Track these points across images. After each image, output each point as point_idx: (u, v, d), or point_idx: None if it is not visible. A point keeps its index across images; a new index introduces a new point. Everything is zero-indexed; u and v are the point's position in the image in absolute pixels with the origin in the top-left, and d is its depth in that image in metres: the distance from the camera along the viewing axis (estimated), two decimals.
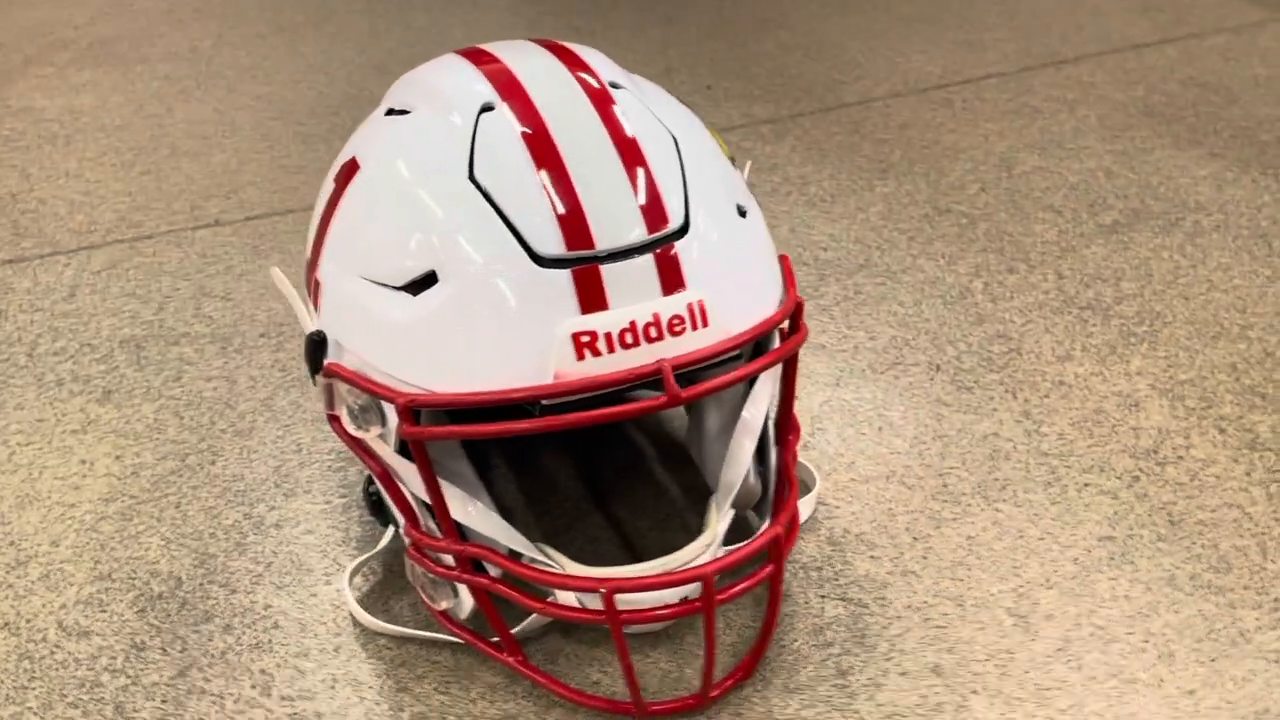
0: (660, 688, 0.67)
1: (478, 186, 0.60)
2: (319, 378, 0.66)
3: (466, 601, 0.67)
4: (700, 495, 0.80)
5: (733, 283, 0.62)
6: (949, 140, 1.39)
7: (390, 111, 0.68)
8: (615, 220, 0.59)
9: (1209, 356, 0.96)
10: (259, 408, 0.93)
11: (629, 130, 0.62)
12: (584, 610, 0.62)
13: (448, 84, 0.65)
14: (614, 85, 0.65)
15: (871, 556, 0.76)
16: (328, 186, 0.68)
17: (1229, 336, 0.98)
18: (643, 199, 0.60)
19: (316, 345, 0.67)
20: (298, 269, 1.12)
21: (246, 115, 1.55)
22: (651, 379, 0.58)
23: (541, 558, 0.66)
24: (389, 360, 0.62)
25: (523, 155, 0.60)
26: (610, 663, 0.69)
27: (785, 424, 0.70)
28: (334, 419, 0.67)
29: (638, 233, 0.59)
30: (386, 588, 0.75)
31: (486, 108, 0.63)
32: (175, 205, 1.30)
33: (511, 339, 0.59)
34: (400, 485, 0.66)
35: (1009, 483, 0.82)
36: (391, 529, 0.75)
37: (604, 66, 0.67)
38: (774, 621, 0.67)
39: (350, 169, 0.66)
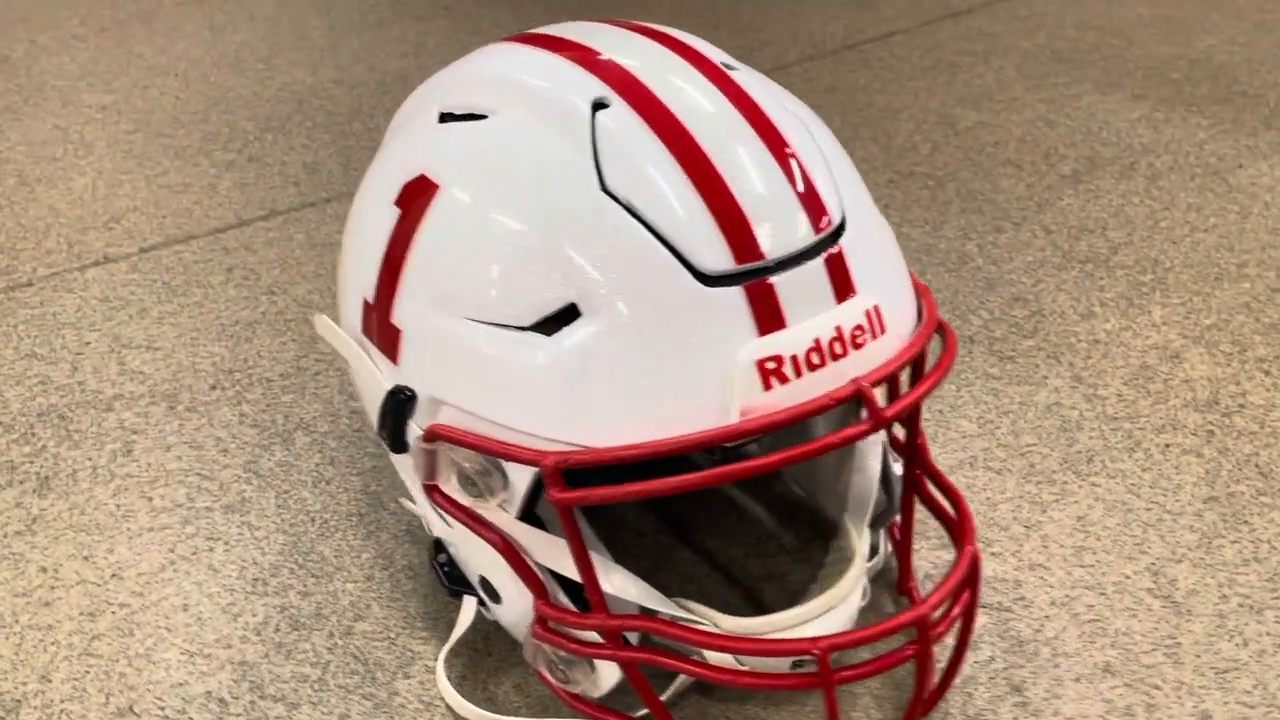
0: None
1: (615, 198, 0.50)
2: (418, 442, 0.55)
3: (608, 678, 0.58)
4: (782, 510, 0.73)
5: (892, 281, 0.55)
6: (882, 101, 1.35)
7: (451, 116, 0.56)
8: (781, 224, 0.51)
9: (1220, 299, 0.96)
10: (242, 475, 0.79)
11: (768, 116, 0.54)
12: (798, 676, 0.54)
13: (539, 78, 0.55)
14: (727, 66, 0.56)
15: (992, 554, 0.71)
16: (382, 213, 0.56)
17: (1230, 277, 0.99)
18: (802, 196, 0.52)
19: (401, 404, 0.55)
20: (231, 305, 0.98)
21: (96, 130, 1.35)
22: (844, 402, 0.51)
23: (688, 615, 0.58)
24: (519, 414, 0.51)
25: (663, 157, 0.51)
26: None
27: (916, 427, 0.64)
28: (432, 489, 0.56)
29: (805, 235, 0.51)
30: (477, 670, 0.64)
31: (599, 104, 0.53)
32: (47, 243, 1.10)
33: (682, 375, 0.49)
34: (525, 557, 0.56)
35: (1093, 453, 0.79)
36: (472, 602, 0.64)
37: (704, 45, 0.58)
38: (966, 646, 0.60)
39: (422, 189, 0.54)
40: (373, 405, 0.58)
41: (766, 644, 0.53)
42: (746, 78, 0.56)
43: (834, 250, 0.52)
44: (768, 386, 0.49)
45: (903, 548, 0.65)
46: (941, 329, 0.58)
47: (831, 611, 0.59)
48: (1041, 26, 1.55)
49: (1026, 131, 1.26)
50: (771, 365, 0.49)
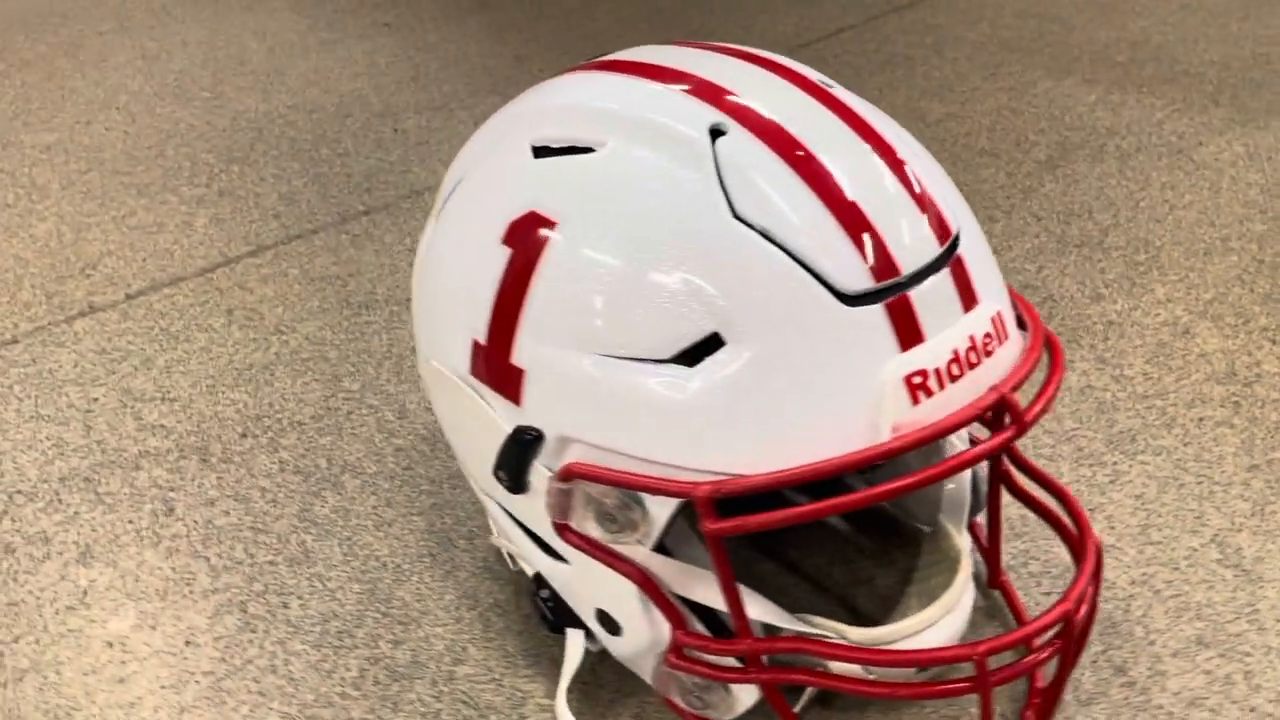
0: None
1: (749, 225, 0.50)
2: (552, 482, 0.54)
3: (745, 700, 0.58)
4: (851, 514, 0.74)
5: (1000, 285, 0.56)
6: None
7: (549, 150, 0.55)
8: (911, 237, 0.51)
9: (1214, 273, 1.00)
10: (297, 525, 0.76)
11: (876, 129, 0.54)
12: (955, 683, 0.54)
13: (647, 108, 0.54)
14: (824, 84, 0.57)
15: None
16: (487, 253, 0.55)
17: (1217, 251, 1.03)
18: (923, 207, 0.53)
19: (526, 445, 0.54)
20: (240, 348, 0.94)
21: (46, 172, 1.28)
22: (988, 410, 0.52)
23: (817, 630, 0.58)
24: (663, 447, 0.51)
25: (789, 179, 0.51)
26: None
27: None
28: (564, 528, 0.55)
29: (932, 246, 0.52)
30: (593, 704, 0.63)
31: (716, 131, 0.52)
32: (22, 295, 1.05)
33: (830, 397, 0.50)
34: (661, 588, 0.55)
35: (1134, 432, 0.82)
36: (579, 636, 0.63)
37: (795, 63, 0.58)
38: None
39: (533, 227, 0.53)
40: (485, 448, 0.57)
41: (926, 654, 0.54)
42: (844, 93, 0.57)
43: (956, 259, 0.53)
44: (915, 401, 0.50)
45: (992, 543, 0.67)
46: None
47: (950, 614, 0.60)
48: (983, 17, 1.60)
49: (995, 121, 1.30)
50: (918, 380, 0.50)
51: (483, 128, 0.63)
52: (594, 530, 0.54)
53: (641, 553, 0.54)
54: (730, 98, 0.54)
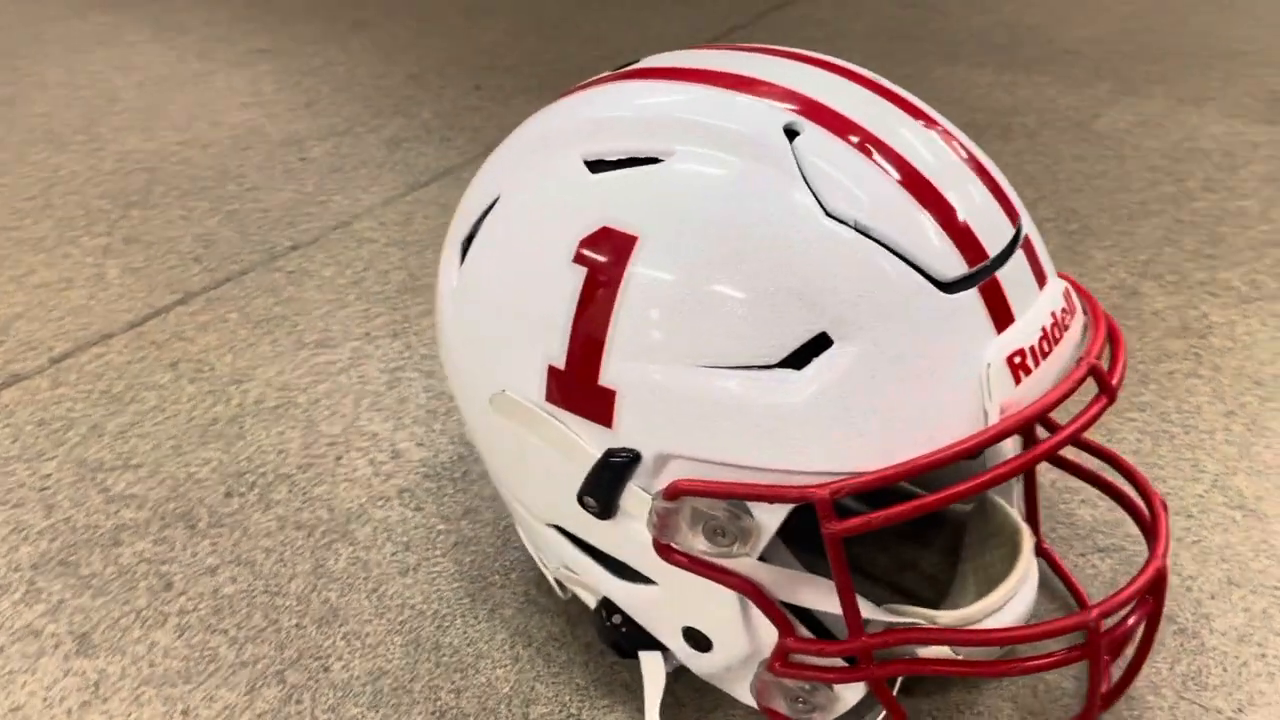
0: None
1: (842, 221, 0.50)
2: (656, 502, 0.52)
3: (849, 699, 0.57)
4: (875, 496, 0.74)
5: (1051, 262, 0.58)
6: None
7: (607, 164, 0.54)
8: (990, 219, 0.52)
9: (1143, 235, 1.06)
10: (315, 582, 0.71)
11: (932, 116, 0.55)
12: (1068, 652, 0.55)
13: (711, 112, 0.53)
14: (869, 74, 0.57)
15: (1082, 500, 0.76)
16: (557, 274, 0.52)
17: (1140, 215, 1.10)
18: (992, 189, 0.54)
19: (621, 468, 0.52)
20: (197, 403, 0.88)
21: None
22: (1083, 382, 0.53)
23: (909, 619, 0.58)
24: (776, 452, 0.50)
25: (872, 173, 0.51)
26: (979, 704, 0.62)
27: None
28: (666, 548, 0.53)
29: (1007, 227, 0.53)
30: None
31: (791, 131, 0.52)
32: None
33: (939, 385, 0.50)
34: (765, 595, 0.54)
35: None
36: (656, 658, 0.61)
37: (826, 56, 0.58)
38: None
39: (610, 243, 0.51)
40: (565, 476, 0.55)
41: (1042, 628, 0.54)
42: (890, 83, 0.57)
43: (1025, 239, 0.54)
44: (1017, 381, 0.51)
45: (1031, 513, 0.69)
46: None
47: (1025, 585, 0.61)
48: (865, 8, 1.65)
49: None
50: (1018, 360, 0.51)
51: (505, 145, 0.61)
52: (701, 546, 0.53)
53: (747, 563, 0.54)
54: (801, 97, 0.53)
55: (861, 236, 0.50)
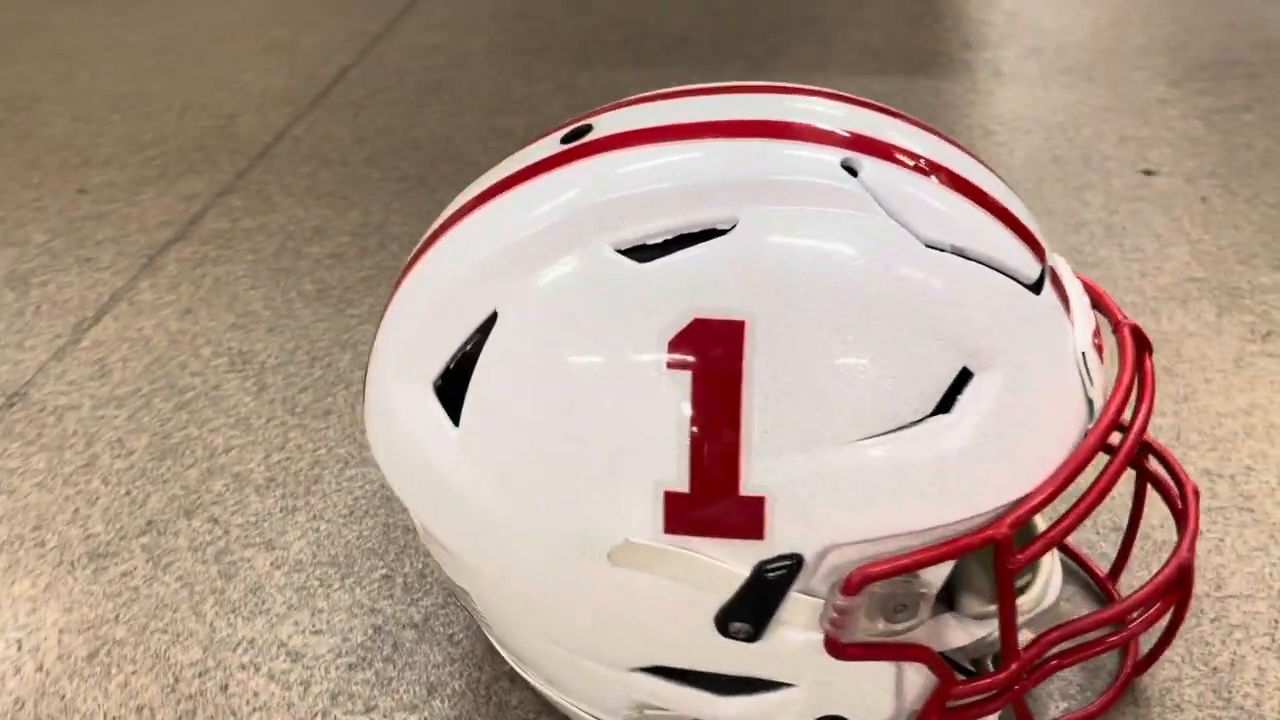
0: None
1: (938, 248, 0.47)
2: (834, 600, 0.46)
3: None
4: None
5: None
6: None
7: (653, 249, 0.46)
8: (1027, 215, 0.52)
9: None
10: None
11: (937, 130, 0.53)
12: (1168, 600, 0.56)
13: (762, 164, 0.47)
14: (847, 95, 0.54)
15: None
16: (644, 389, 0.44)
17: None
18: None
19: (783, 577, 0.46)
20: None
21: None
22: None
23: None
24: (945, 505, 0.46)
25: (941, 193, 0.48)
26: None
27: None
28: (841, 647, 0.47)
29: (1032, 219, 0.53)
30: None
31: (850, 169, 0.47)
32: None
33: (1064, 385, 0.49)
34: (933, 650, 0.50)
35: None
36: None
37: (799, 85, 0.54)
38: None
39: (712, 334, 0.44)
40: (697, 611, 0.47)
41: (1155, 584, 0.55)
42: (865, 99, 0.55)
43: None
44: (1101, 361, 0.52)
45: None
46: None
47: (1057, 562, 0.63)
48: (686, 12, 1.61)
49: None
50: (1096, 342, 0.52)
51: (457, 255, 0.51)
52: (880, 628, 0.48)
53: (922, 628, 0.50)
54: (837, 131, 0.49)
55: (962, 260, 0.47)
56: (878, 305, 0.45)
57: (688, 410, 0.45)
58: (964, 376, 0.46)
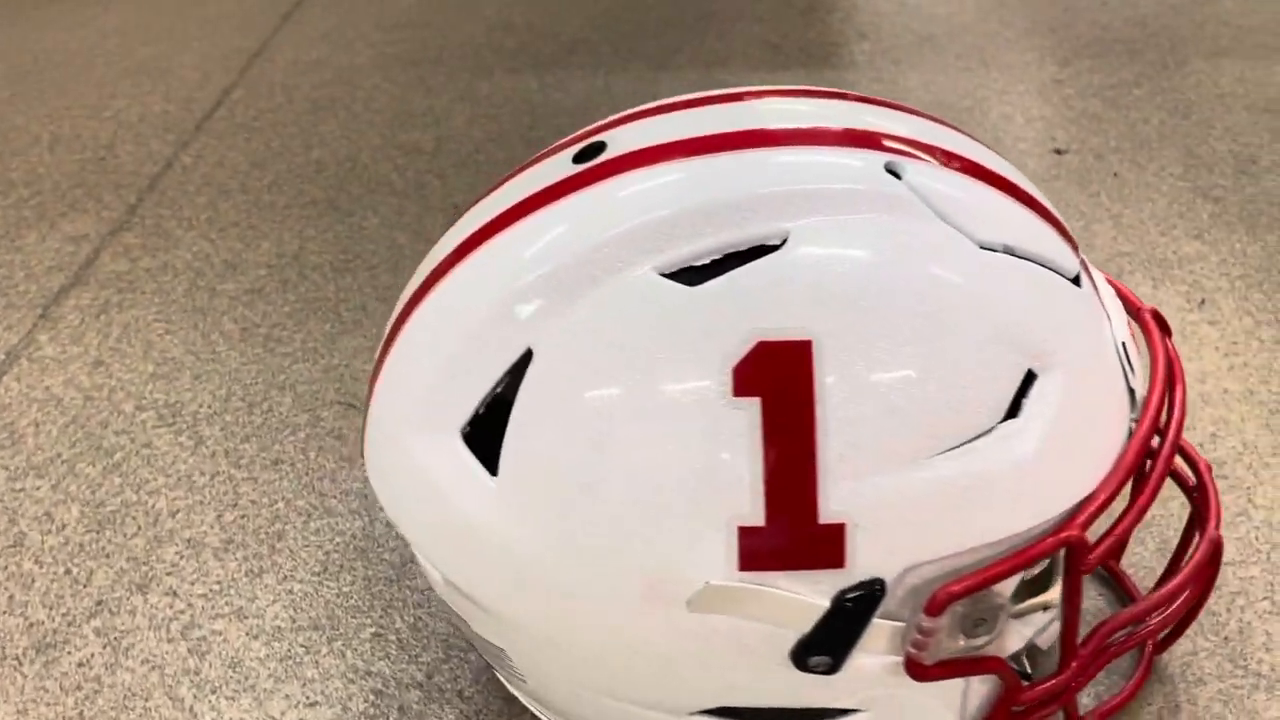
0: None
1: (991, 249, 0.45)
2: (918, 623, 0.44)
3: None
4: None
5: None
6: None
7: (699, 271, 0.43)
8: (1051, 205, 0.51)
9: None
10: None
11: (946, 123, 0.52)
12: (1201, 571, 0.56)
13: (806, 174, 0.45)
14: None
15: None
16: (718, 416, 0.41)
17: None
18: None
19: (866, 604, 0.44)
20: None
21: None
22: None
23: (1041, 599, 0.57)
24: (1021, 511, 0.45)
25: (988, 192, 0.47)
26: None
27: None
28: (925, 670, 0.45)
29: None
30: None
31: (894, 172, 0.45)
32: None
33: (1113, 375, 0.49)
34: (1003, 659, 0.49)
35: None
36: None
37: (797, 86, 0.52)
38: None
39: (778, 358, 0.41)
40: (775, 644, 0.45)
41: (1195, 566, 0.55)
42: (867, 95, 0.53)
43: None
44: (1137, 350, 0.51)
45: None
46: None
47: None
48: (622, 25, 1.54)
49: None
50: (1129, 331, 0.51)
51: (467, 297, 0.47)
52: (960, 645, 0.46)
53: (999, 639, 0.48)
54: (856, 134, 0.47)
55: (1014, 258, 0.46)
56: (943, 314, 0.44)
57: (759, 439, 0.42)
58: (1028, 379, 0.45)
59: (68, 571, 0.72)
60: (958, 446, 0.43)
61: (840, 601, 0.44)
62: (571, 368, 0.44)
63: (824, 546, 0.43)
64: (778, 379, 0.42)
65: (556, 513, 0.45)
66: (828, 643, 0.45)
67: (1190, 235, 1.05)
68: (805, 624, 0.44)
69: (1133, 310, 0.54)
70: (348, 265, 1.04)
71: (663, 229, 0.44)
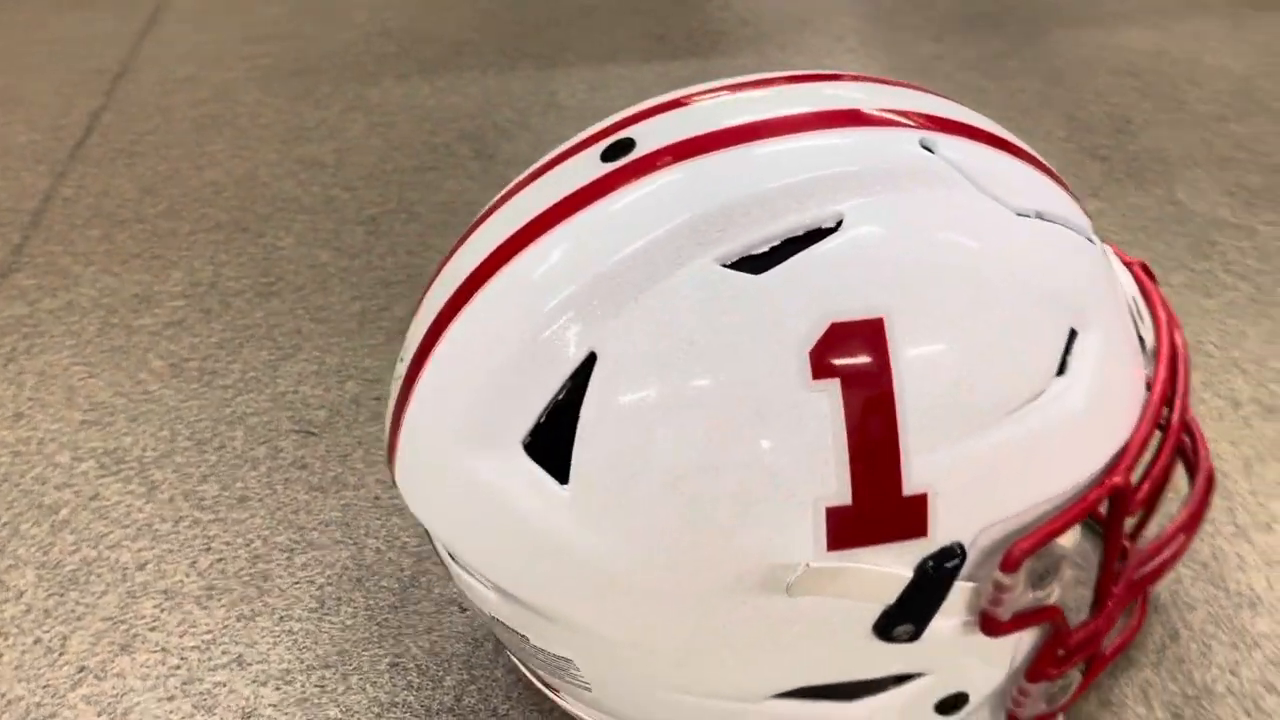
0: None
1: (1024, 215, 0.47)
2: (995, 580, 0.45)
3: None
4: None
5: None
6: None
7: (763, 259, 0.43)
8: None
9: None
10: None
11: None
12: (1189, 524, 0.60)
13: (849, 156, 0.45)
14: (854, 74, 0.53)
15: None
16: (799, 401, 0.42)
17: None
18: None
19: (951, 570, 0.45)
20: None
21: None
22: None
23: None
24: (1077, 463, 0.47)
25: (1010, 163, 0.49)
26: None
27: None
28: (999, 625, 0.47)
29: None
30: None
31: (927, 147, 0.46)
32: None
33: (1131, 330, 0.52)
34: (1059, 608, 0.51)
35: None
36: None
37: (809, 70, 0.53)
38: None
39: (853, 338, 0.42)
40: (859, 619, 0.46)
41: (1196, 505, 0.59)
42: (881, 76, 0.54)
43: None
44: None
45: None
46: None
47: None
48: (504, 24, 1.46)
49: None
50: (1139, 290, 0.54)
51: (510, 314, 0.46)
52: (1029, 599, 0.48)
53: (1056, 589, 0.50)
54: (899, 113, 0.49)
55: (1046, 223, 0.48)
56: (995, 281, 0.45)
57: (842, 420, 0.43)
58: (1071, 337, 0.47)
59: (38, 641, 0.67)
60: (1020, 408, 0.45)
61: (924, 569, 0.45)
62: (640, 366, 0.44)
63: (908, 518, 0.44)
64: (854, 359, 0.43)
65: (637, 514, 0.44)
66: (912, 611, 0.46)
67: (1088, 194, 1.11)
68: (890, 595, 0.45)
69: (1124, 264, 0.58)
70: (272, 288, 1.00)
71: (717, 220, 0.44)
